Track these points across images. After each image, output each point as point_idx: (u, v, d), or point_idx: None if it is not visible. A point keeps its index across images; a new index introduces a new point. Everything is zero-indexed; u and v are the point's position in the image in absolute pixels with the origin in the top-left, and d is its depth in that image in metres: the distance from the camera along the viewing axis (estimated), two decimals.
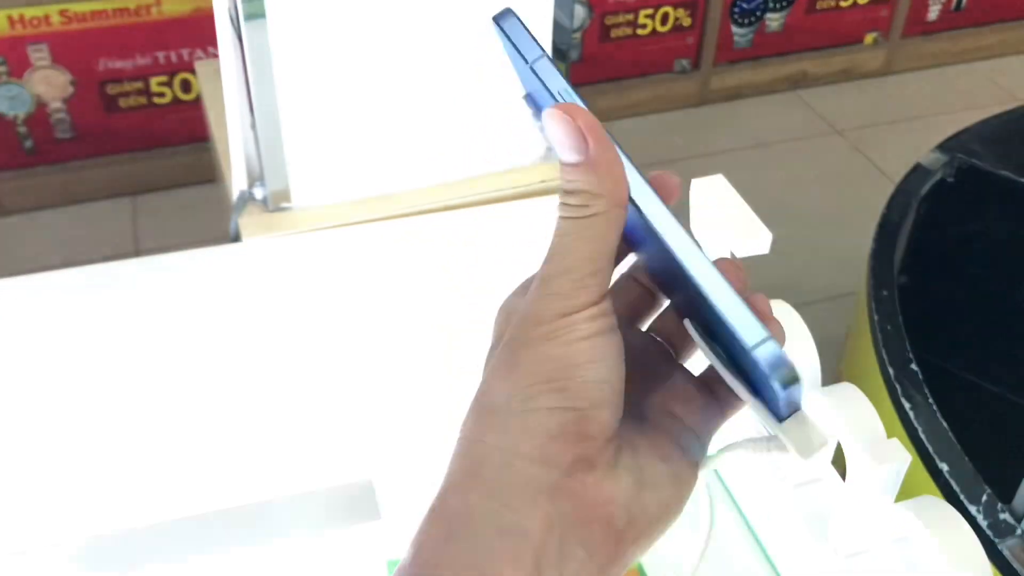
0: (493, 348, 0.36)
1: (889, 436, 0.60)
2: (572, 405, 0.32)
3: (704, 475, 0.37)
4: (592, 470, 0.32)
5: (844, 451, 0.60)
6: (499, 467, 0.32)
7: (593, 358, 0.32)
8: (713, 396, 0.37)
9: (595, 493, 0.32)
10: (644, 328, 0.39)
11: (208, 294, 0.85)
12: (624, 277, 0.39)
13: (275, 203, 1.02)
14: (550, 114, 0.32)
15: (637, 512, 0.33)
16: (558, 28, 1.14)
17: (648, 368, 0.37)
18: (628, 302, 0.39)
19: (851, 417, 0.60)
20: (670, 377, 0.37)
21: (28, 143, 2.09)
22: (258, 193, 1.03)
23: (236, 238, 1.02)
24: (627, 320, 0.38)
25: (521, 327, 0.33)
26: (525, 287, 0.35)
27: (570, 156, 0.32)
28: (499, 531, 0.31)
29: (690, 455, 0.36)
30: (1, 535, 0.66)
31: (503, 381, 0.33)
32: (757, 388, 0.33)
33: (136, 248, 2.05)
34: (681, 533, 0.64)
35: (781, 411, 0.32)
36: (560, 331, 0.32)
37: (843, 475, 0.62)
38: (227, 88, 0.99)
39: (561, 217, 0.33)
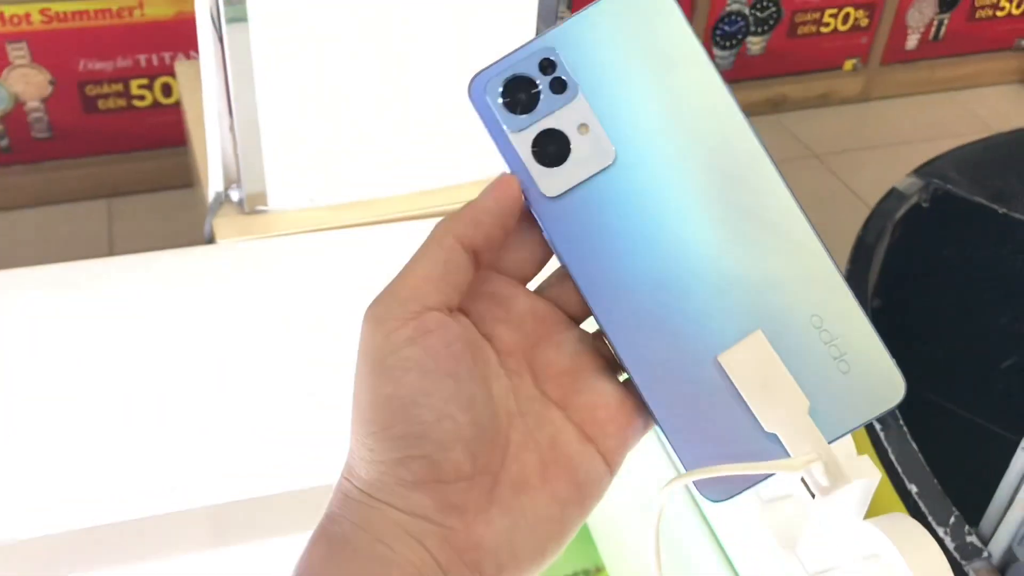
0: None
1: (859, 456, 0.60)
2: (417, 453, 0.31)
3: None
4: (461, 515, 0.31)
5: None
6: (367, 508, 0.31)
7: (425, 391, 0.30)
8: (632, 401, 0.34)
9: (464, 538, 0.31)
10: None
11: (181, 294, 0.84)
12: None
13: (251, 206, 1.02)
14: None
15: (507, 558, 0.31)
16: None
17: (543, 354, 0.34)
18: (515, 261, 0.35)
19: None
20: (579, 378, 0.34)
21: (4, 142, 2.08)
22: (234, 195, 1.02)
23: (211, 240, 1.01)
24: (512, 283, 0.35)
25: (359, 357, 0.32)
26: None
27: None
28: (373, 560, 0.30)
29: (588, 483, 0.33)
30: None
31: (353, 421, 0.32)
32: (815, 409, 0.31)
33: (111, 250, 2.03)
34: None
35: (834, 438, 0.31)
36: (387, 362, 0.31)
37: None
38: (206, 90, 0.98)
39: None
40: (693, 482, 0.32)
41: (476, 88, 0.35)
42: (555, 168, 0.33)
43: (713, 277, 0.32)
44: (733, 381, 0.32)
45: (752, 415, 0.31)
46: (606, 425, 0.33)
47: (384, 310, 0.32)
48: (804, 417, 0.30)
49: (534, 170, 0.34)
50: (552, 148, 0.33)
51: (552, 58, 0.34)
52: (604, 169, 0.33)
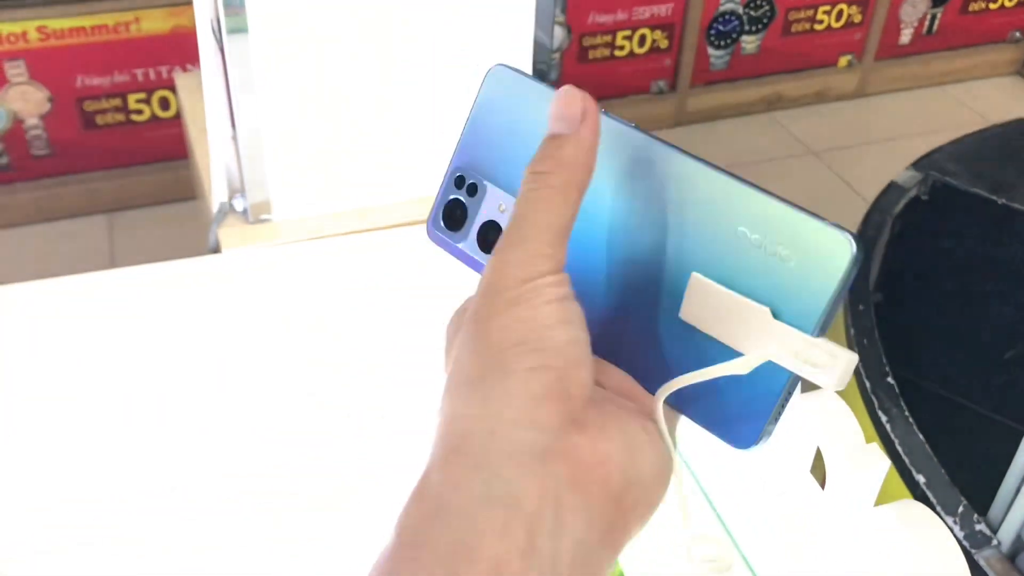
0: (447, 353, 0.35)
1: (867, 444, 0.60)
2: (550, 364, 0.31)
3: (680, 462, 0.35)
4: (583, 430, 0.31)
5: (823, 456, 0.60)
6: (484, 436, 0.30)
7: (562, 319, 0.31)
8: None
9: (590, 454, 0.30)
10: None
11: (189, 303, 0.85)
12: None
13: (255, 215, 1.02)
14: (564, 88, 0.34)
15: (633, 475, 0.31)
16: (539, 47, 1.15)
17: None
18: None
19: (830, 423, 0.60)
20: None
21: (4, 160, 2.08)
22: (238, 205, 1.03)
23: (216, 249, 1.01)
24: None
25: (483, 299, 0.32)
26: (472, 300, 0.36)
27: (559, 127, 0.33)
28: (489, 502, 0.29)
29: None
30: None
31: (474, 354, 0.32)
32: (778, 313, 0.31)
33: (112, 265, 2.04)
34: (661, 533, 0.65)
35: (814, 331, 0.30)
36: (525, 295, 0.31)
37: (822, 481, 0.62)
38: (208, 100, 0.99)
39: (522, 193, 0.33)
40: (718, 435, 0.33)
41: (431, 235, 0.41)
42: None
43: (648, 256, 0.34)
44: (701, 329, 0.33)
45: (737, 353, 0.32)
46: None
47: (519, 257, 0.32)
48: (772, 323, 0.31)
49: (485, 260, 0.38)
50: (491, 236, 0.39)
51: (461, 173, 0.40)
52: None
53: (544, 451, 0.30)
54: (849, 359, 0.30)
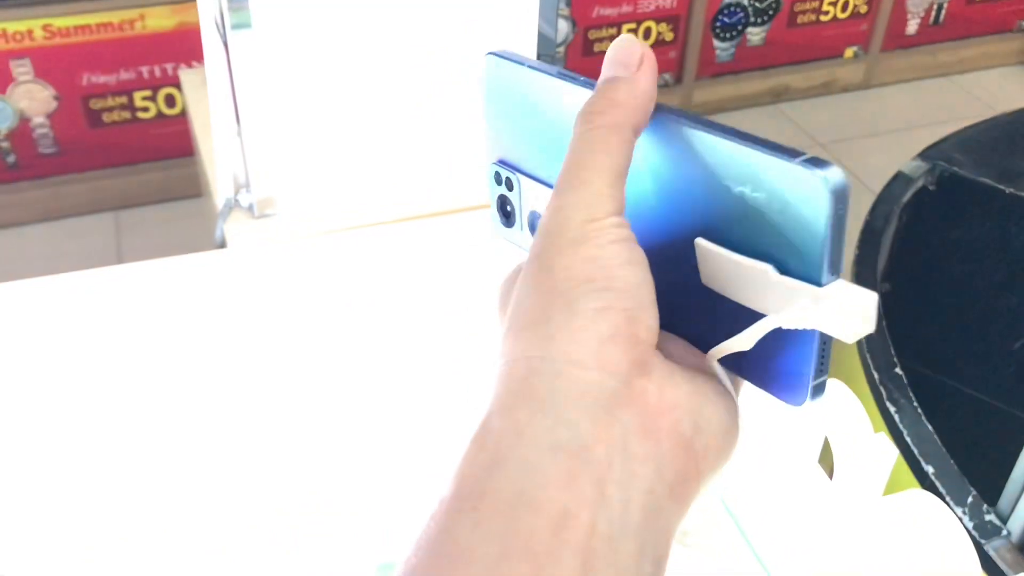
0: (501, 303, 0.33)
1: (875, 434, 0.60)
2: (619, 304, 0.29)
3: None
4: (650, 375, 0.29)
5: (831, 446, 0.60)
6: (550, 378, 0.28)
7: (630, 259, 0.30)
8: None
9: (657, 400, 0.29)
10: None
11: (195, 299, 0.85)
12: None
13: (261, 210, 1.02)
14: (622, 36, 0.33)
15: (703, 422, 0.30)
16: (543, 39, 1.15)
17: None
18: None
19: (837, 413, 0.60)
20: None
21: (11, 158, 2.09)
22: (244, 200, 1.03)
23: (222, 245, 1.01)
24: None
25: (546, 239, 0.30)
26: (519, 269, 0.35)
27: (615, 71, 0.32)
28: (553, 449, 0.27)
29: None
30: None
31: (536, 294, 0.30)
32: (785, 266, 0.30)
33: (119, 262, 2.04)
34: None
35: (824, 275, 0.29)
36: (591, 234, 0.30)
37: (830, 471, 0.62)
38: (213, 96, 0.99)
39: (575, 136, 0.31)
40: (772, 392, 0.32)
41: (496, 233, 0.41)
42: None
43: (660, 224, 0.33)
44: (722, 293, 0.32)
45: (758, 315, 0.31)
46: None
47: (580, 198, 0.30)
48: (776, 280, 0.30)
49: None
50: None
51: (496, 169, 0.39)
52: None
53: (612, 396, 0.28)
54: (866, 300, 0.28)
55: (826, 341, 0.31)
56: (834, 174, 0.28)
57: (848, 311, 0.29)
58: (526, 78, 0.37)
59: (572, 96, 0.35)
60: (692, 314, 0.33)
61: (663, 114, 0.33)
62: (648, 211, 0.34)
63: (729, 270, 0.31)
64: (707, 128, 0.31)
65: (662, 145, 0.33)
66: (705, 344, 0.33)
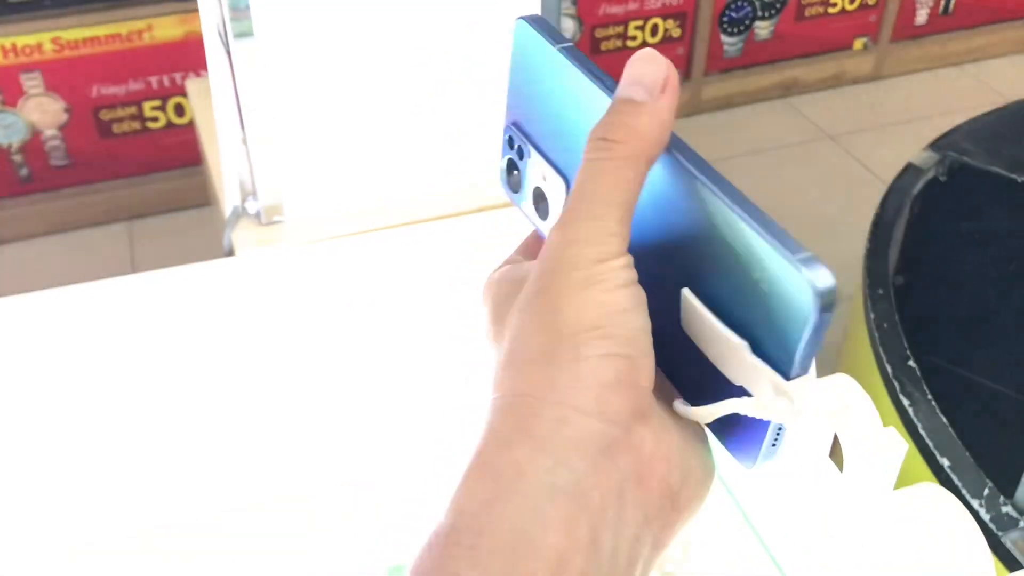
0: (493, 321, 0.33)
1: (885, 428, 0.60)
2: (623, 352, 0.29)
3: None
4: (647, 423, 0.30)
5: (840, 440, 0.60)
6: (551, 421, 0.28)
7: (635, 304, 0.30)
8: None
9: (652, 449, 0.29)
10: None
11: (203, 307, 0.85)
12: None
13: (268, 217, 1.02)
14: (646, 51, 0.32)
15: (687, 472, 0.30)
16: None
17: None
18: None
19: (846, 406, 0.60)
20: None
21: (24, 171, 2.10)
22: (251, 207, 1.03)
23: (230, 252, 1.02)
24: None
25: (553, 274, 0.30)
26: (510, 260, 0.35)
27: (636, 93, 0.31)
28: (553, 491, 0.27)
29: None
30: None
31: (541, 332, 0.30)
32: (761, 344, 0.30)
33: (134, 273, 2.05)
34: None
35: (793, 368, 0.29)
36: (600, 276, 0.30)
37: (840, 466, 0.62)
38: (218, 105, 0.99)
39: (590, 160, 0.31)
40: (727, 448, 0.32)
41: (504, 189, 0.39)
42: (548, 220, 0.37)
43: (654, 263, 0.33)
44: (696, 344, 0.32)
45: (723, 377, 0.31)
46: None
47: (591, 234, 0.30)
48: (749, 358, 0.30)
49: (542, 226, 0.38)
50: (541, 204, 0.37)
51: (510, 134, 0.38)
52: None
53: (612, 443, 0.29)
54: (830, 402, 0.30)
55: (781, 426, 0.31)
56: (823, 279, 0.28)
57: (808, 410, 0.30)
58: (550, 56, 0.36)
59: (590, 95, 0.34)
60: (668, 348, 0.33)
61: (673, 153, 0.32)
62: (643, 240, 0.33)
63: (707, 330, 0.31)
64: (714, 185, 0.31)
65: (668, 185, 0.32)
66: (673, 378, 0.33)
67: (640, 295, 0.30)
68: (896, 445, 0.59)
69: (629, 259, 0.31)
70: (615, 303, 0.30)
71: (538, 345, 0.30)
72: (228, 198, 1.04)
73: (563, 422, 0.29)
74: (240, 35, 0.96)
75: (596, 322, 0.29)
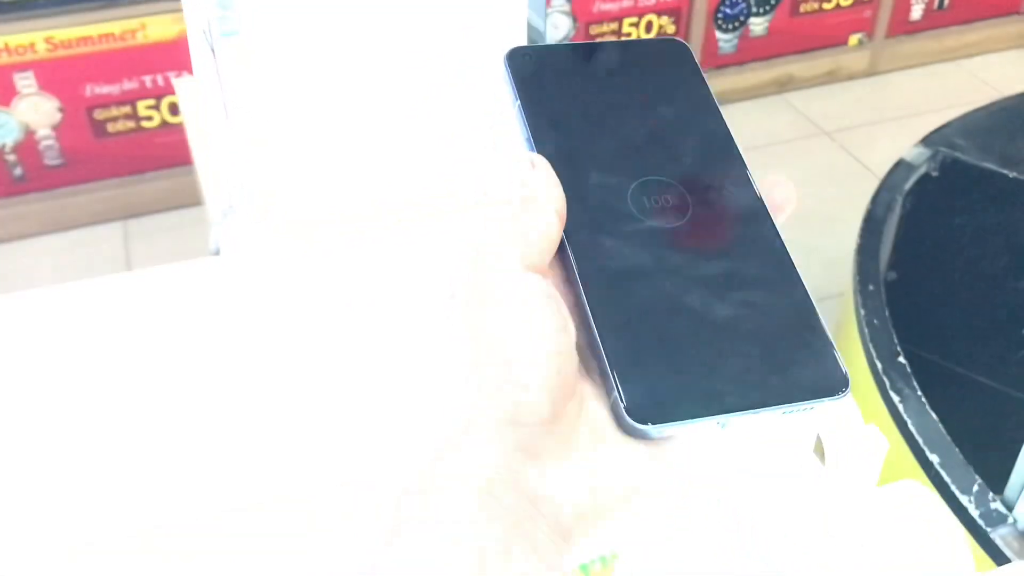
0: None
1: (879, 430, 0.60)
2: (499, 388, 0.29)
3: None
4: (535, 460, 0.29)
5: (821, 438, 0.60)
6: (429, 461, 0.29)
7: (527, 333, 0.29)
8: None
9: (537, 486, 0.29)
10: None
11: (189, 306, 0.85)
12: None
13: (255, 216, 1.02)
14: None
15: (587, 506, 0.29)
16: (532, 32, 1.15)
17: None
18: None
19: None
20: None
21: (17, 171, 2.10)
22: (239, 207, 1.03)
23: (217, 252, 1.02)
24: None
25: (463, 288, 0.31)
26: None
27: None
28: (433, 528, 0.28)
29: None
30: None
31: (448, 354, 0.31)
32: None
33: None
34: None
35: None
36: (496, 297, 0.30)
37: (823, 461, 0.62)
38: (204, 104, 0.99)
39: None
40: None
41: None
42: None
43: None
44: None
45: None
46: None
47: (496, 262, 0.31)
48: None
49: None
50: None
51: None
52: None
53: (491, 481, 0.28)
54: None
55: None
56: None
57: None
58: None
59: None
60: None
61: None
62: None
63: None
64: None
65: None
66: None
67: (542, 317, 0.30)
68: (878, 443, 0.59)
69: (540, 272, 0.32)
70: (500, 332, 0.30)
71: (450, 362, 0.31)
72: (216, 197, 1.04)
73: (440, 461, 0.29)
74: (226, 34, 0.95)
75: (474, 356, 0.30)
